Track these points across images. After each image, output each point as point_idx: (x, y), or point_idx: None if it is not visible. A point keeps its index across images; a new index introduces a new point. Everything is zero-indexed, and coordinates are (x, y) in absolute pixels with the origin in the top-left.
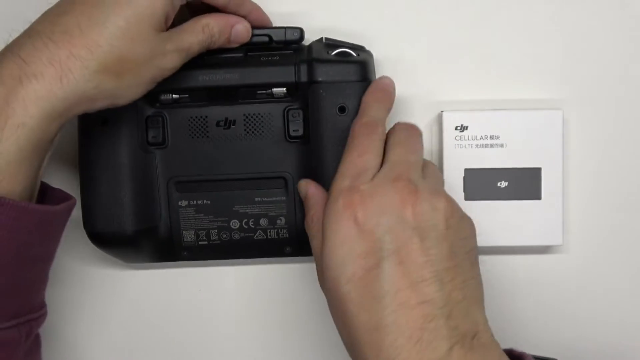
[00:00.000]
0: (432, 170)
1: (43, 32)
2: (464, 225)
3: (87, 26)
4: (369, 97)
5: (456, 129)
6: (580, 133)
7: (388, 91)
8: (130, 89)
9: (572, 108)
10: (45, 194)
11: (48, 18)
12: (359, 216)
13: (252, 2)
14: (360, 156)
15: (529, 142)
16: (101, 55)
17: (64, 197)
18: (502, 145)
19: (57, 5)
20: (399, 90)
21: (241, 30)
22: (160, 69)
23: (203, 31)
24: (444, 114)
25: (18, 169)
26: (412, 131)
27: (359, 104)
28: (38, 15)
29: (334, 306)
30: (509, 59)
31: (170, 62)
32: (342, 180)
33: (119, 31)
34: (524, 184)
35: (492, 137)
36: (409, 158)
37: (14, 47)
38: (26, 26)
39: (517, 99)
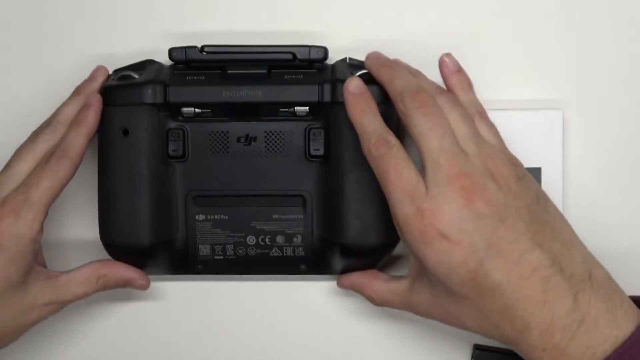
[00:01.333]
0: (464, 126)
1: None
2: (522, 180)
3: None
4: (354, 113)
5: None
6: (580, 133)
7: (365, 95)
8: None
9: (572, 108)
10: None
11: None
12: (442, 232)
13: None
14: (399, 176)
15: (529, 142)
16: None
17: None
18: None
19: None
20: None
21: (138, 287)
22: (32, 323)
23: (97, 282)
24: None
25: None
26: (410, 89)
27: None
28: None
29: (452, 306)
30: (509, 59)
31: (46, 314)
32: (402, 209)
33: None
34: None
35: None
36: (439, 139)
37: None
38: None
39: (517, 99)
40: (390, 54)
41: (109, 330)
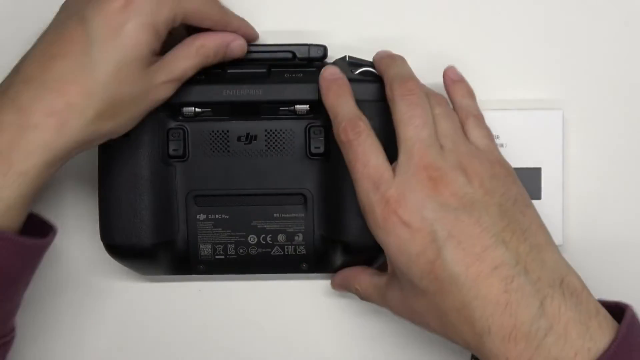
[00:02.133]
0: (446, 123)
1: (37, 79)
2: (500, 180)
3: (80, 73)
4: (327, 97)
5: None
6: (580, 133)
7: (339, 80)
8: (126, 125)
9: (572, 108)
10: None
11: (39, 60)
12: (403, 219)
13: (239, 19)
14: (366, 164)
15: (529, 142)
16: (97, 103)
17: (44, 225)
18: (502, 145)
19: (46, 44)
20: None
21: (237, 47)
22: (154, 102)
23: (197, 53)
24: None
25: (18, 212)
26: (402, 80)
27: (381, 124)
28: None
29: (415, 302)
30: (509, 58)
31: (163, 93)
32: (367, 196)
33: (110, 77)
34: (524, 184)
35: None
36: (417, 129)
37: (9, 92)
38: None
39: (517, 99)
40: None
41: (111, 331)
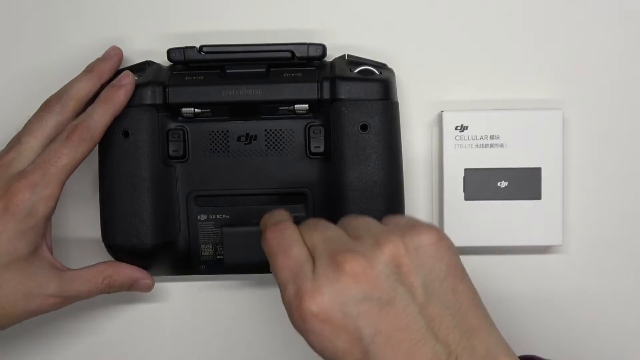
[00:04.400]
0: (350, 219)
1: None
2: (422, 255)
3: None
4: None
5: (456, 129)
6: (580, 133)
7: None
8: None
9: (572, 108)
10: None
11: None
12: (322, 316)
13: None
14: (287, 256)
15: (529, 142)
16: None
17: None
18: (502, 145)
19: None
20: (400, 90)
21: (143, 285)
22: (31, 312)
23: (103, 282)
24: (444, 114)
25: None
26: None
27: (381, 122)
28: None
29: None
30: (509, 59)
31: (46, 307)
32: (285, 290)
33: None
34: (524, 184)
35: (492, 137)
36: (327, 234)
37: None
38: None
39: (517, 99)
40: (389, 51)
41: (112, 331)
